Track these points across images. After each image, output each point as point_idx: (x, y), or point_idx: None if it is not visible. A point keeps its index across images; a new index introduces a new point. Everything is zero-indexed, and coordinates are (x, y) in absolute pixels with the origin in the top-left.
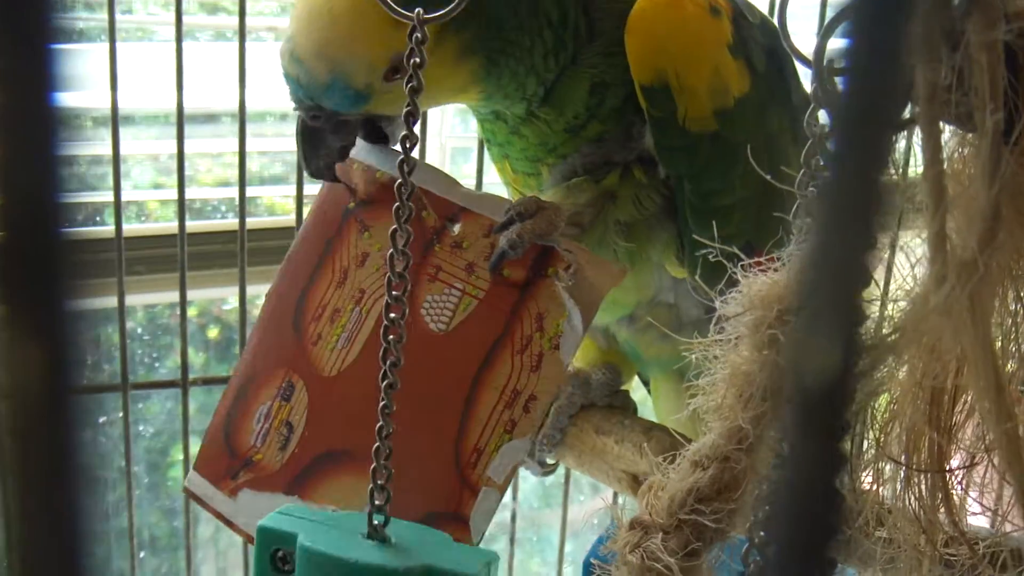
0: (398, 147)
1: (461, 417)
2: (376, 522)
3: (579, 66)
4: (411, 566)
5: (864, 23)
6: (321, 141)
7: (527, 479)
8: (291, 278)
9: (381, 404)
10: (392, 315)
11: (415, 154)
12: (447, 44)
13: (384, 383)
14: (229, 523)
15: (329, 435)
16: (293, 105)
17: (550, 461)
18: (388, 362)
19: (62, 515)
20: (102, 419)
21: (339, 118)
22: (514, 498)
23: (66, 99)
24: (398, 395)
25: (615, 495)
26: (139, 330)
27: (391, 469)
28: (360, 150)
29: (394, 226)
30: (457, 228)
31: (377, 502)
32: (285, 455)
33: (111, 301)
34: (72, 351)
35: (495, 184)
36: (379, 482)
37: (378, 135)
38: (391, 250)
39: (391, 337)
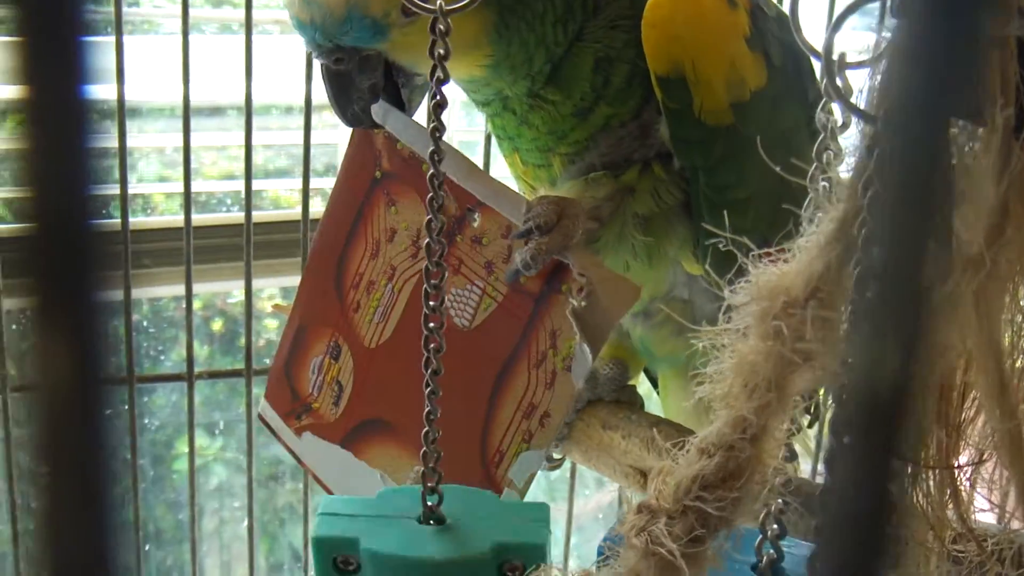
0: (420, 120)
1: (486, 415)
2: (431, 503)
3: (584, 41)
4: (483, 551)
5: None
6: (349, 83)
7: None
8: (331, 235)
9: (427, 390)
10: (431, 303)
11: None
12: None
13: (428, 370)
14: (298, 459)
15: (372, 404)
16: (314, 53)
17: (556, 456)
18: (431, 348)
19: (93, 507)
20: (107, 412)
21: (362, 54)
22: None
23: (96, 91)
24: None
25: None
26: (144, 323)
27: (440, 451)
28: (384, 114)
29: (428, 216)
30: (477, 220)
31: (429, 484)
32: (338, 410)
33: (117, 294)
34: (103, 343)
35: (504, 178)
36: (430, 465)
37: (396, 96)
38: (425, 240)
39: (432, 325)
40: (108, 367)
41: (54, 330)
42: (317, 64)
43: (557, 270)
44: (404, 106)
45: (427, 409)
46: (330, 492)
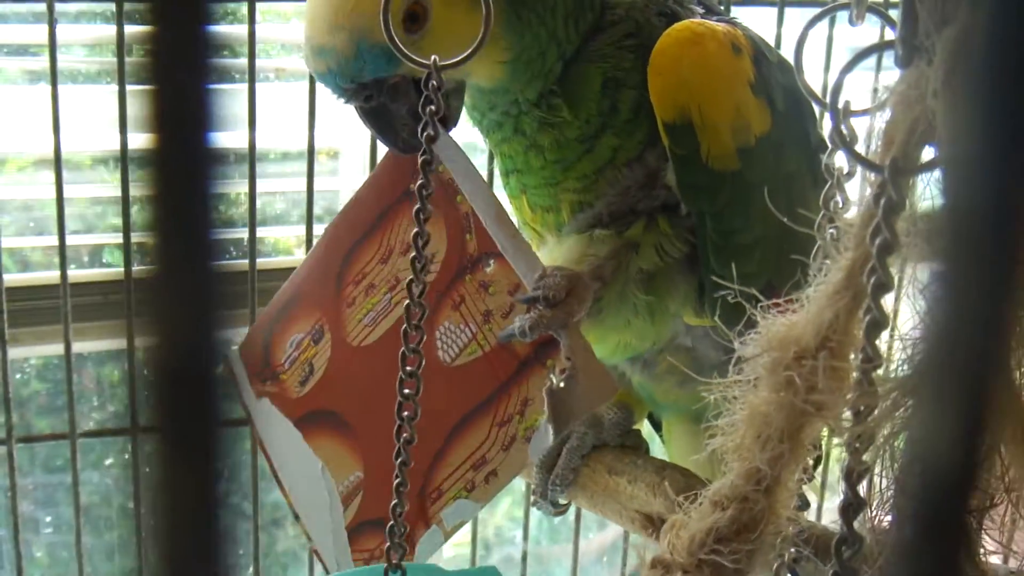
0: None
1: (438, 451)
2: None
3: (590, 59)
4: None
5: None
6: (387, 115)
7: (534, 515)
8: (349, 225)
9: (398, 460)
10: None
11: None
12: None
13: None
14: (248, 415)
15: (336, 397)
16: (344, 99)
17: (562, 502)
18: (404, 415)
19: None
20: (108, 461)
21: (388, 83)
22: (525, 538)
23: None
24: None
25: (625, 533)
26: (144, 371)
27: (407, 526)
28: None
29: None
30: (491, 267)
31: (394, 560)
32: (303, 390)
33: (120, 343)
34: (216, 384)
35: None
36: (395, 540)
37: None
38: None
39: (405, 414)
40: (222, 406)
41: (175, 372)
42: (320, 109)
43: (548, 343)
44: (445, 119)
45: (396, 480)
46: (271, 462)
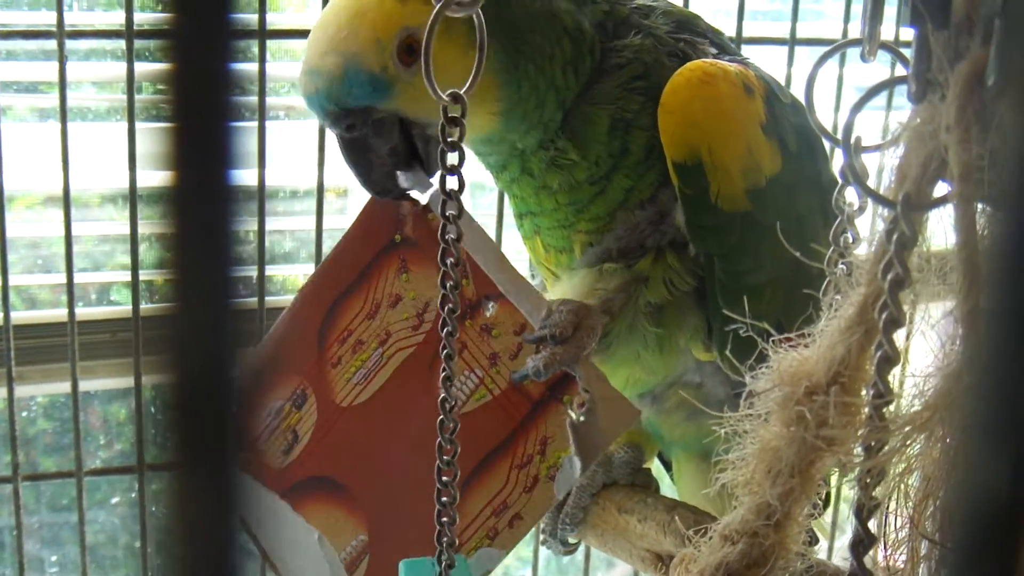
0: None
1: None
2: None
3: (597, 101)
4: None
5: None
6: (367, 149)
7: (543, 555)
8: (329, 282)
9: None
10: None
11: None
12: (458, 33)
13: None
14: None
15: (327, 462)
16: (328, 124)
17: (572, 540)
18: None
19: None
20: (114, 500)
21: (373, 117)
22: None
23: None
24: (407, 451)
25: (634, 572)
26: (151, 409)
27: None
28: (421, 183)
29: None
30: (491, 310)
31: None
32: (287, 460)
33: (127, 381)
34: (235, 424)
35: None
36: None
37: (412, 153)
38: (431, 315)
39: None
40: (242, 440)
41: (189, 410)
42: (329, 148)
43: (562, 379)
44: (423, 164)
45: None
46: (258, 543)
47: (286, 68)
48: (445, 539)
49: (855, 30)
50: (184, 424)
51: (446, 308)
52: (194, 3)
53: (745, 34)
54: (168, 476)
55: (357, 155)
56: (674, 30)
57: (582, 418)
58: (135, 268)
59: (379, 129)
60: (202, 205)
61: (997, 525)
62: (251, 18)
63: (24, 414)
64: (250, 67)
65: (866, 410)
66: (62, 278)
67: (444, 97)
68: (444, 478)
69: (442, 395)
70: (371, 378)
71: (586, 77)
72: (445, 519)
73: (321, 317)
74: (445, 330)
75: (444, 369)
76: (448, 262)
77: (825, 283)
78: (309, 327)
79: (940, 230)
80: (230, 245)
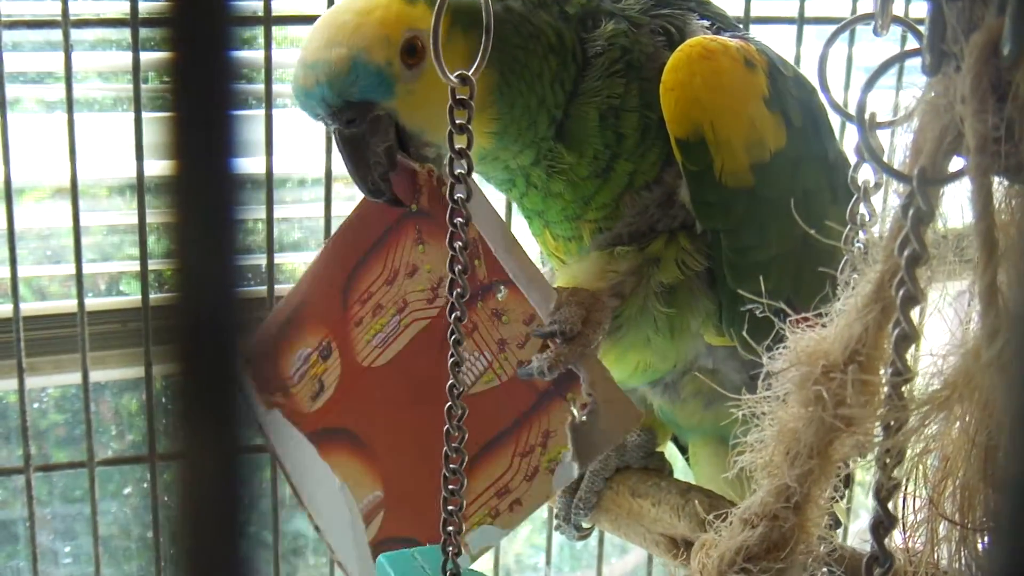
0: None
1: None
2: None
3: (583, 97)
4: None
5: None
6: (363, 146)
7: (556, 541)
8: (352, 242)
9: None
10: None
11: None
12: (456, 43)
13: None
14: (260, 425)
15: (350, 416)
16: (324, 118)
17: (586, 525)
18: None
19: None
20: (127, 491)
21: (372, 114)
22: (547, 563)
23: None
24: (420, 420)
25: (649, 557)
26: (162, 399)
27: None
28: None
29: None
30: (503, 295)
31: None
32: (315, 405)
33: (138, 371)
34: (241, 411)
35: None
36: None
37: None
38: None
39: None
40: (247, 435)
41: (196, 400)
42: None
43: (568, 375)
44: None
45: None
46: (287, 474)
47: (292, 55)
48: (451, 528)
49: (864, 7)
50: (190, 413)
51: (454, 293)
52: None
53: (753, 13)
54: (175, 466)
55: (355, 154)
56: (651, 7)
57: (583, 419)
58: (144, 258)
59: (376, 127)
60: (204, 194)
61: None
62: (256, 4)
63: (36, 406)
64: (256, 54)
65: (884, 389)
66: (72, 269)
67: (453, 79)
68: (451, 465)
69: (450, 381)
70: (389, 343)
71: (571, 83)
72: (451, 507)
73: (346, 275)
74: (453, 315)
75: (452, 355)
76: (456, 246)
77: (843, 262)
78: (334, 283)
79: (955, 206)
80: (234, 234)
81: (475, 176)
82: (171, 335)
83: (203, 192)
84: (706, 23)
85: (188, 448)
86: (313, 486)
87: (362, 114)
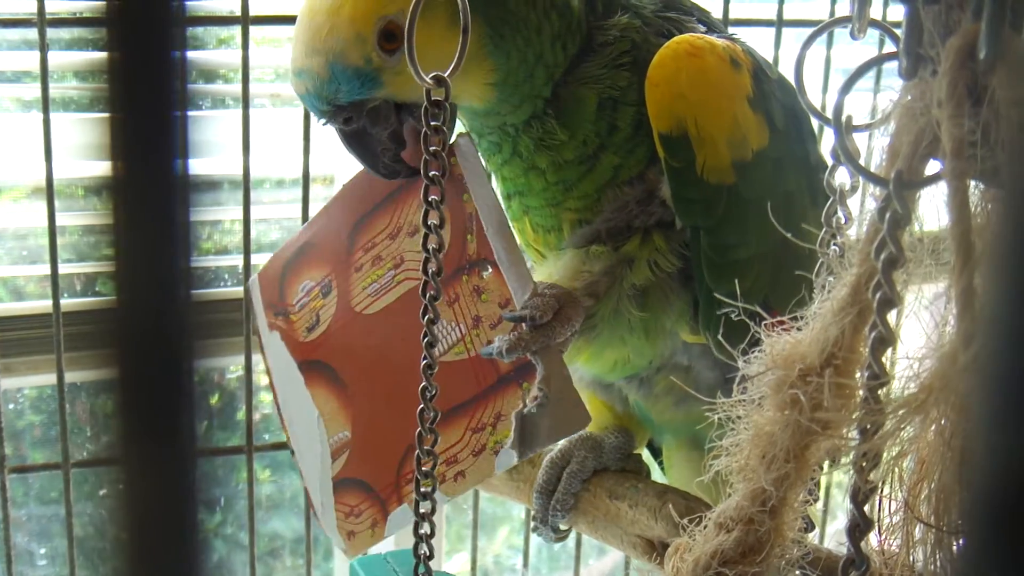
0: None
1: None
2: None
3: (584, 81)
4: None
5: None
6: (367, 139)
7: (534, 543)
8: (364, 191)
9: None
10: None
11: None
12: (436, 8)
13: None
14: (260, 344)
15: (336, 354)
16: (323, 121)
17: (563, 527)
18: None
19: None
20: (102, 492)
21: (368, 107)
22: (524, 565)
23: (190, 166)
24: (393, 374)
25: (626, 559)
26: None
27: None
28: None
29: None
30: (487, 275)
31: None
32: (309, 336)
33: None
34: (191, 415)
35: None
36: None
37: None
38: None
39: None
40: (194, 438)
41: (136, 405)
42: (315, 136)
43: (530, 365)
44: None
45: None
46: (275, 393)
47: (270, 55)
48: (423, 531)
49: (842, 10)
50: (135, 417)
51: (427, 291)
52: None
53: (732, 15)
54: (121, 470)
55: (359, 146)
56: (661, 9)
57: (531, 410)
58: (119, 259)
59: (375, 118)
60: (147, 196)
61: (1008, 509)
62: (234, 5)
63: (11, 406)
64: (233, 55)
65: (861, 392)
66: (47, 269)
67: (428, 80)
68: (424, 446)
69: (425, 360)
70: (382, 295)
71: (574, 54)
72: (424, 510)
73: (355, 220)
74: (428, 295)
75: (425, 334)
76: (430, 248)
77: (818, 265)
78: (343, 226)
79: (932, 210)
80: (179, 236)
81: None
82: (111, 339)
83: (145, 193)
84: (703, 28)
85: (129, 455)
86: (295, 412)
87: (358, 110)
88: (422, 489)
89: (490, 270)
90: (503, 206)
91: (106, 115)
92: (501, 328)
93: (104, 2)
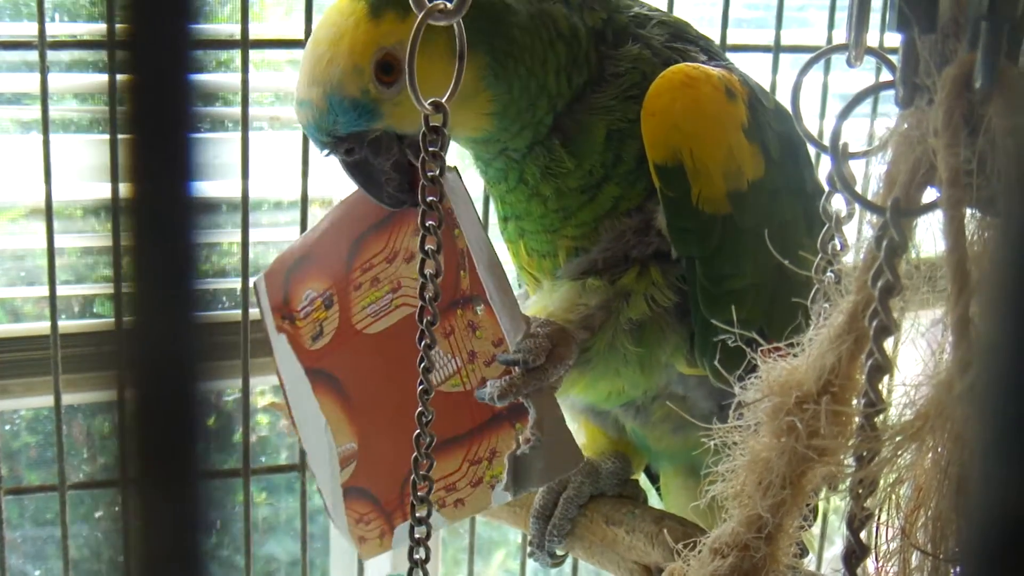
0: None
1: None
2: None
3: (594, 111)
4: None
5: None
6: (370, 169)
7: (530, 568)
8: (363, 209)
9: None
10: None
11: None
12: (436, 38)
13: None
14: (269, 344)
15: (340, 367)
16: (325, 152)
17: (560, 552)
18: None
19: None
20: (97, 514)
21: (369, 137)
22: None
23: (203, 188)
24: (394, 397)
25: None
26: (124, 424)
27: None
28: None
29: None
30: (481, 311)
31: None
32: (314, 345)
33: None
34: (202, 429)
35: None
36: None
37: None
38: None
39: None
40: (206, 460)
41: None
42: (314, 159)
43: (522, 405)
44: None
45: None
46: (285, 395)
47: (269, 79)
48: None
49: (840, 37)
50: (146, 439)
51: (424, 316)
52: (151, 13)
53: (729, 41)
54: (133, 492)
55: (362, 176)
56: (669, 39)
57: (524, 452)
58: (118, 280)
59: (377, 148)
60: (161, 217)
61: (1005, 538)
62: (234, 28)
63: (7, 428)
64: (233, 78)
65: (857, 419)
66: (45, 291)
67: (426, 106)
68: (420, 471)
69: (421, 385)
70: (381, 316)
71: (582, 84)
72: (419, 535)
73: (352, 238)
74: (425, 319)
75: (422, 359)
76: (427, 274)
77: (813, 291)
78: (342, 242)
79: (928, 238)
80: (191, 258)
81: (467, 177)
82: (123, 360)
83: (160, 215)
84: (704, 58)
85: (143, 478)
86: (303, 415)
87: (359, 141)
88: (417, 514)
89: (483, 306)
90: (500, 227)
91: (122, 136)
92: (496, 366)
93: (120, 24)
